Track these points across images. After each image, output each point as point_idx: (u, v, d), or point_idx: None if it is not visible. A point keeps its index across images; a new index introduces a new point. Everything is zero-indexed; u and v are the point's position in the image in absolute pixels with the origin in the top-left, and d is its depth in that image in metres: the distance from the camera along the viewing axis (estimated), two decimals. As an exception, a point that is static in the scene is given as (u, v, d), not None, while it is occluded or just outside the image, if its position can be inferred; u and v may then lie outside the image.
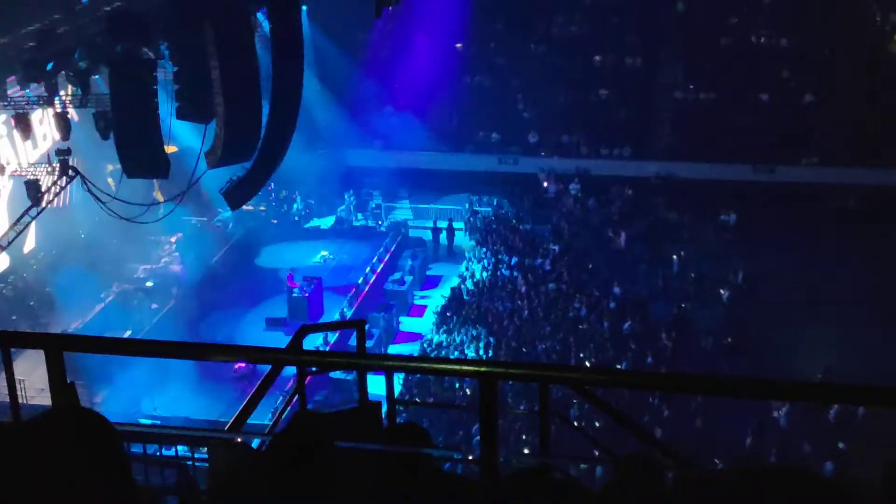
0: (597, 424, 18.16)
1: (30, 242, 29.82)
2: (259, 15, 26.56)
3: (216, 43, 23.58)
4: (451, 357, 26.17)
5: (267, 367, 6.72)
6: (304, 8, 29.94)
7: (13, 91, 23.34)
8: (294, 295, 29.79)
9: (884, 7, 38.54)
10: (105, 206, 25.39)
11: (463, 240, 35.07)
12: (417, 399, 23.76)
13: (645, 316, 29.04)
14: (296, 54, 25.94)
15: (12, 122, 23.98)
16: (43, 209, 25.69)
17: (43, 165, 25.87)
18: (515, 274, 31.57)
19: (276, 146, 26.36)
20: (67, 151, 25.04)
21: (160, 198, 27.74)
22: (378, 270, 32.43)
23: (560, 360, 26.34)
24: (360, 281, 31.64)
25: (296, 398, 6.49)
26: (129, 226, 26.69)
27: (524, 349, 27.51)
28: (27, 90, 23.61)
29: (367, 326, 8.48)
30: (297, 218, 36.57)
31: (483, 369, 4.15)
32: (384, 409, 6.58)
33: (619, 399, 20.62)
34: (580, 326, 28.55)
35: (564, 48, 39.07)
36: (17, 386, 4.40)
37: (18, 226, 26.17)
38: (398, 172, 36.85)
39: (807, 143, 34.89)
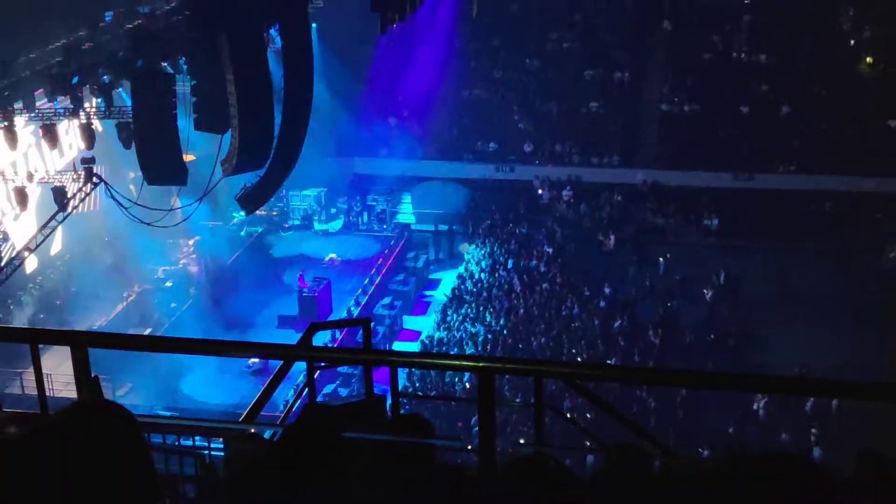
0: (588, 416, 18.14)
1: (56, 245, 29.82)
2: (272, 31, 26.55)
3: (231, 58, 23.58)
4: (452, 353, 26.16)
5: (279, 362, 6.72)
6: (314, 25, 29.95)
7: (41, 103, 23.35)
8: (304, 294, 29.80)
9: (855, 26, 38.56)
10: (127, 211, 25.38)
11: (462, 243, 35.05)
12: (420, 392, 23.75)
13: (633, 314, 29.04)
14: (306, 68, 25.95)
15: (40, 132, 23.99)
16: (69, 214, 25.69)
17: (69, 173, 25.86)
18: (511, 275, 31.57)
19: (288, 155, 26.37)
20: (92, 160, 25.04)
21: (178, 204, 27.74)
22: (383, 271, 32.42)
23: (553, 356, 26.32)
24: (365, 281, 31.64)
25: (306, 391, 6.49)
26: (150, 229, 26.70)
27: (520, 345, 27.52)
28: (54, 102, 23.62)
29: (372, 324, 8.47)
30: (306, 222, 36.53)
31: (481, 364, 4.15)
32: (389, 401, 6.58)
33: (609, 392, 20.61)
34: (572, 324, 28.55)
35: (557, 63, 39.10)
36: (45, 380, 4.40)
37: (46, 230, 26.17)
38: (402, 180, 36.89)
39: (784, 152, 34.89)
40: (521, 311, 29.44)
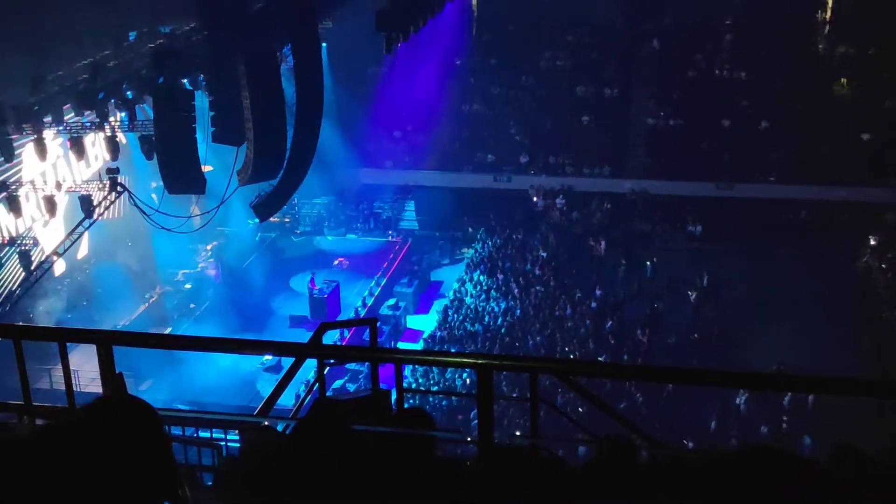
0: (580, 410, 18.12)
1: (83, 250, 29.83)
2: (284, 50, 26.59)
3: (247, 75, 23.64)
4: (452, 350, 26.15)
5: (291, 360, 6.72)
6: (324, 44, 29.99)
7: (69, 117, 23.37)
8: (315, 296, 29.79)
9: (830, 45, 38.61)
10: (149, 217, 25.41)
11: (462, 248, 35.05)
12: (423, 388, 23.72)
13: (622, 315, 29.02)
14: (316, 85, 25.98)
15: (68, 144, 24.01)
16: (94, 221, 25.71)
17: (95, 182, 25.88)
18: (508, 278, 31.57)
19: (299, 165, 26.41)
20: (116, 170, 25.07)
21: (197, 211, 27.76)
22: (388, 274, 32.42)
23: (548, 354, 26.33)
24: (372, 284, 31.63)
25: (316, 386, 6.48)
26: (170, 235, 26.72)
27: (516, 344, 27.49)
28: (81, 116, 23.65)
29: (378, 324, 8.47)
30: (317, 228, 36.53)
31: (480, 361, 4.15)
32: (394, 396, 6.57)
33: (600, 388, 20.59)
34: (565, 324, 28.54)
35: (550, 80, 39.12)
36: (72, 376, 4.40)
37: (73, 235, 26.19)
38: (406, 189, 36.93)
39: (763, 163, 34.92)
40: (518, 311, 29.44)
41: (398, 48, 28.18)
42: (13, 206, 23.58)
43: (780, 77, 37.07)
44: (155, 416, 2.52)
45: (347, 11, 31.57)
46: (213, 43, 23.81)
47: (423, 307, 31.55)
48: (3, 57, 20.56)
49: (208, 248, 33.36)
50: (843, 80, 36.92)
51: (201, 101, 24.56)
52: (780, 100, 36.25)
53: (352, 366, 24.09)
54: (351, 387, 23.56)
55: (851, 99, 36.47)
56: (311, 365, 7.54)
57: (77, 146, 23.98)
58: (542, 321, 28.67)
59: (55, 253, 26.01)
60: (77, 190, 25.39)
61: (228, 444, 5.80)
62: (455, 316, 29.51)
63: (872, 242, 31.70)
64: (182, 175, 23.45)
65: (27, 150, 23.35)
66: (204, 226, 27.40)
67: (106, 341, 4.34)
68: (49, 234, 26.15)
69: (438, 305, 30.97)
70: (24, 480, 1.46)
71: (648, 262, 31.81)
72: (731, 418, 23.12)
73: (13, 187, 23.82)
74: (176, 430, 6.09)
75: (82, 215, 25.22)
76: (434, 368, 24.27)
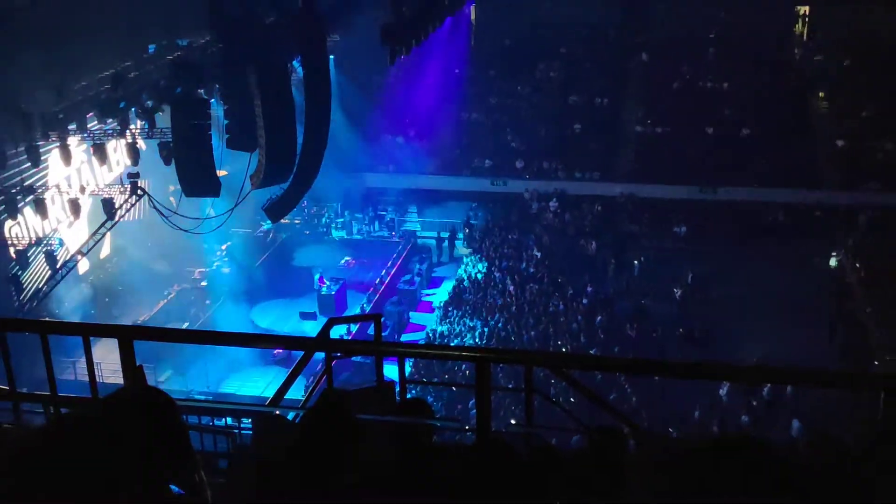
0: (572, 400, 18.11)
1: (105, 249, 29.85)
2: (294, 62, 26.61)
3: (259, 86, 23.64)
4: (452, 344, 26.17)
5: (300, 353, 6.73)
6: (332, 56, 30.02)
7: (92, 125, 23.41)
8: (323, 293, 29.81)
9: (806, 57, 38.65)
10: (167, 219, 25.42)
11: (462, 248, 35.08)
12: (424, 379, 23.73)
13: (611, 311, 29.04)
14: (324, 95, 26.00)
15: (91, 150, 24.04)
16: (116, 222, 25.73)
17: (116, 186, 25.90)
18: (504, 276, 31.58)
19: (309, 170, 26.42)
20: (136, 175, 25.10)
21: (212, 213, 27.78)
22: (392, 273, 32.43)
23: (541, 347, 26.34)
24: (377, 281, 31.65)
25: (324, 378, 6.49)
26: (187, 235, 26.73)
27: (512, 338, 27.51)
28: (104, 124, 23.69)
29: (382, 319, 8.48)
30: (325, 229, 36.56)
31: (478, 354, 4.16)
32: (397, 387, 6.58)
33: (591, 379, 20.62)
34: (558, 319, 28.55)
35: (545, 90, 39.19)
36: (95, 368, 4.40)
37: (96, 236, 26.21)
38: (408, 192, 36.95)
39: (744, 168, 34.92)
40: (513, 307, 29.45)
41: (401, 60, 28.21)
42: (40, 208, 23.60)
43: (761, 87, 37.13)
44: (172, 405, 2.53)
45: (354, 25, 31.59)
46: (227, 55, 23.82)
47: (424, 304, 31.59)
48: (30, 68, 20.58)
49: (223, 247, 33.36)
50: (821, 94, 36.96)
51: (216, 109, 24.60)
52: (761, 109, 36.29)
53: (357, 359, 24.09)
54: (357, 379, 23.58)
55: (827, 108, 36.53)
56: (319, 358, 7.56)
57: (100, 152, 24.00)
58: (536, 316, 28.69)
59: (79, 252, 26.04)
60: (100, 193, 25.43)
61: (242, 431, 5.81)
62: (454, 312, 29.54)
63: (847, 243, 31.73)
64: (198, 179, 23.48)
65: (53, 156, 23.36)
66: (219, 227, 27.40)
67: (127, 336, 4.35)
68: (73, 235, 26.17)
69: (439, 302, 30.99)
70: (49, 467, 1.46)
71: (636, 262, 31.83)
72: (714, 408, 23.13)
73: (40, 191, 23.83)
74: (193, 419, 6.10)
75: (104, 217, 25.25)
76: (435, 361, 24.27)
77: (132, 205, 25.92)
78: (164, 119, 23.86)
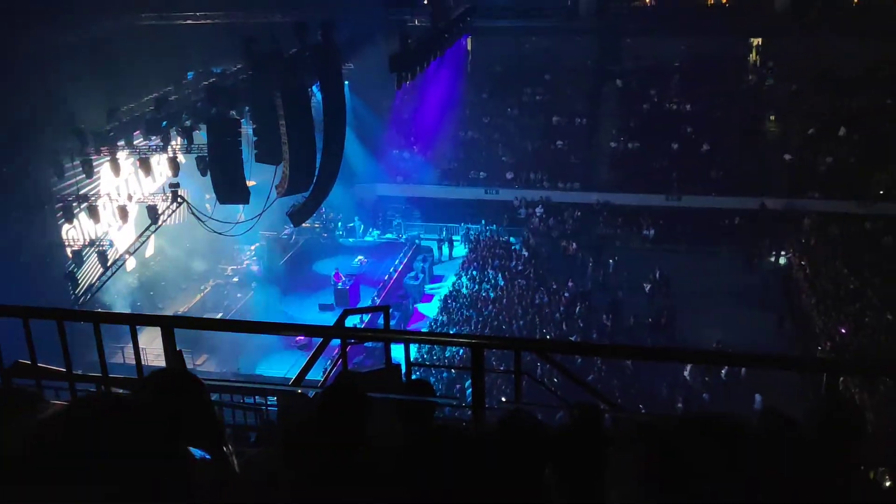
0: (555, 380, 18.12)
1: (150, 249, 29.88)
2: (314, 87, 26.62)
3: (283, 108, 23.67)
4: (451, 332, 26.17)
5: (319, 339, 6.72)
6: (347, 82, 30.02)
7: (138, 141, 23.43)
8: (338, 287, 29.80)
9: (758, 83, 38.68)
10: (204, 223, 25.44)
11: (459, 248, 35.07)
12: (427, 362, 23.72)
13: (590, 302, 29.03)
14: (340, 115, 26.02)
15: (137, 163, 24.07)
16: (159, 226, 25.76)
17: (159, 194, 25.94)
18: (496, 272, 31.58)
19: (327, 181, 26.45)
20: (177, 185, 25.12)
21: (242, 218, 27.78)
22: (399, 270, 32.44)
23: (529, 334, 26.33)
24: (385, 278, 31.65)
25: (339, 362, 6.48)
26: (221, 237, 26.75)
27: (503, 326, 27.50)
28: (149, 140, 23.70)
29: (390, 310, 8.46)
30: (340, 232, 36.57)
31: (473, 341, 4.15)
32: (403, 369, 6.57)
33: (572, 362, 20.63)
34: (543, 310, 28.55)
35: (532, 111, 39.18)
36: (141, 353, 4.40)
37: (142, 238, 26.25)
38: (413, 200, 36.95)
39: (705, 179, 34.94)
40: (504, 300, 29.45)
41: (407, 85, 28.21)
42: (93, 214, 23.63)
43: (718, 109, 37.15)
44: (201, 386, 2.53)
45: (366, 55, 31.64)
46: (256, 81, 23.83)
47: (427, 297, 31.58)
48: (85, 93, 20.62)
49: (252, 248, 33.40)
50: (771, 115, 36.98)
51: (246, 127, 24.60)
52: (718, 127, 36.32)
53: (369, 345, 24.10)
54: (368, 362, 23.58)
55: (776, 127, 36.58)
56: (335, 344, 7.55)
57: (145, 165, 24.04)
58: (524, 308, 28.69)
59: (127, 252, 26.08)
60: (145, 201, 25.45)
61: (268, 408, 5.80)
62: (453, 304, 29.54)
63: (793, 243, 31.76)
64: (230, 188, 23.49)
65: (104, 168, 23.40)
66: (248, 230, 27.40)
67: (168, 324, 4.35)
68: (122, 237, 26.21)
69: (440, 295, 30.99)
70: (100, 439, 1.45)
71: (611, 260, 31.83)
72: (679, 387, 23.13)
73: (93, 198, 23.87)
74: (226, 397, 6.09)
75: (149, 221, 25.28)
76: (436, 347, 24.26)
77: (173, 211, 25.94)
78: (200, 136, 23.90)
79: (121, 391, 4.84)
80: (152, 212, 24.96)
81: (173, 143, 23.96)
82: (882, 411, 20.31)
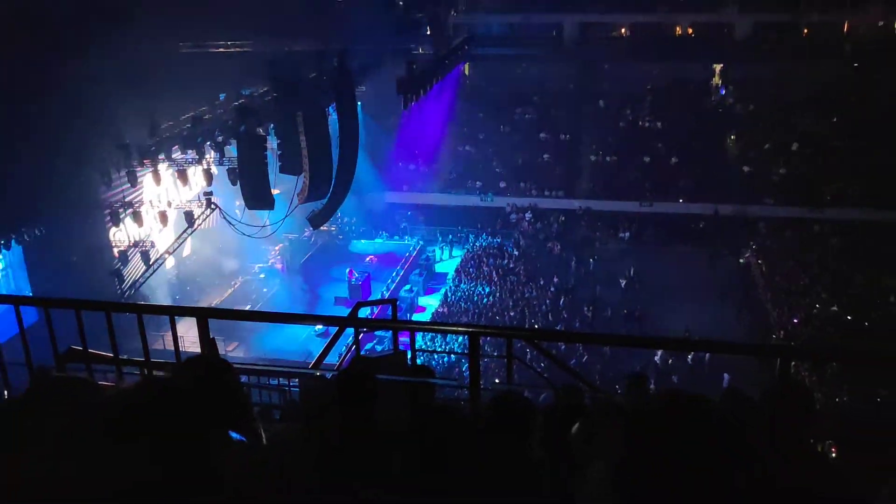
0: (542, 365, 18.13)
1: (187, 250, 29.87)
2: (330, 108, 26.64)
3: (304, 125, 23.70)
4: (451, 321, 26.17)
5: (335, 328, 6.72)
6: (360, 103, 30.04)
7: (176, 155, 23.44)
8: (352, 283, 29.78)
9: (720, 103, 38.67)
10: (234, 226, 25.45)
11: (458, 249, 35.07)
12: (430, 348, 23.74)
13: (573, 296, 29.07)
14: (354, 132, 26.03)
15: (176, 174, 24.09)
16: (195, 229, 25.78)
17: (195, 201, 25.94)
18: (490, 270, 31.60)
19: (342, 189, 26.47)
20: (210, 193, 25.16)
21: (268, 222, 27.78)
22: (405, 267, 32.42)
23: (519, 324, 26.35)
24: (393, 274, 31.63)
25: (353, 348, 6.49)
26: (249, 239, 26.77)
27: (497, 317, 27.54)
28: (185, 154, 23.71)
29: (398, 303, 8.46)
30: (354, 235, 36.57)
31: (470, 330, 4.15)
32: (409, 355, 6.58)
33: (556, 348, 20.63)
34: (532, 303, 28.58)
35: (522, 128, 39.16)
36: (179, 340, 4.40)
37: (180, 239, 26.25)
38: (418, 207, 36.94)
39: (674, 188, 34.94)
40: (497, 293, 29.47)
41: (412, 105, 28.22)
42: (137, 218, 23.65)
43: (685, 126, 37.12)
44: (232, 369, 2.53)
45: (376, 79, 31.64)
46: (280, 102, 23.86)
47: (430, 291, 31.58)
48: (130, 112, 20.63)
49: (277, 248, 33.41)
50: (731, 132, 36.96)
51: (271, 142, 24.61)
52: (685, 142, 36.30)
53: (379, 333, 24.12)
54: (378, 348, 23.59)
55: (735, 141, 36.55)
56: (350, 332, 7.55)
57: (182, 175, 24.07)
58: (514, 301, 28.73)
59: (166, 252, 26.08)
60: (182, 207, 25.46)
61: (291, 388, 5.80)
62: (453, 297, 29.56)
63: (751, 245, 31.76)
64: (257, 196, 23.51)
65: (147, 178, 23.39)
66: (273, 233, 27.40)
67: (203, 315, 4.35)
68: (162, 239, 26.21)
69: (441, 290, 31.00)
70: (140, 419, 1.45)
71: (591, 259, 31.83)
72: (651, 370, 23.14)
73: (137, 205, 23.88)
74: (253, 379, 6.09)
75: (186, 225, 25.29)
76: (438, 335, 24.27)
77: (207, 216, 25.97)
78: (231, 150, 23.92)
79: (161, 373, 4.86)
80: (189, 216, 24.98)
81: (207, 156, 23.99)
82: (828, 392, 20.33)
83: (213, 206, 25.51)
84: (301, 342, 25.46)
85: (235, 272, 31.50)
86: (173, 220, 25.75)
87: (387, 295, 29.07)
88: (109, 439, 1.40)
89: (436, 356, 23.23)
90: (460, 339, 24.20)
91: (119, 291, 23.27)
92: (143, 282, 24.64)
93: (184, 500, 1.39)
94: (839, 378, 20.73)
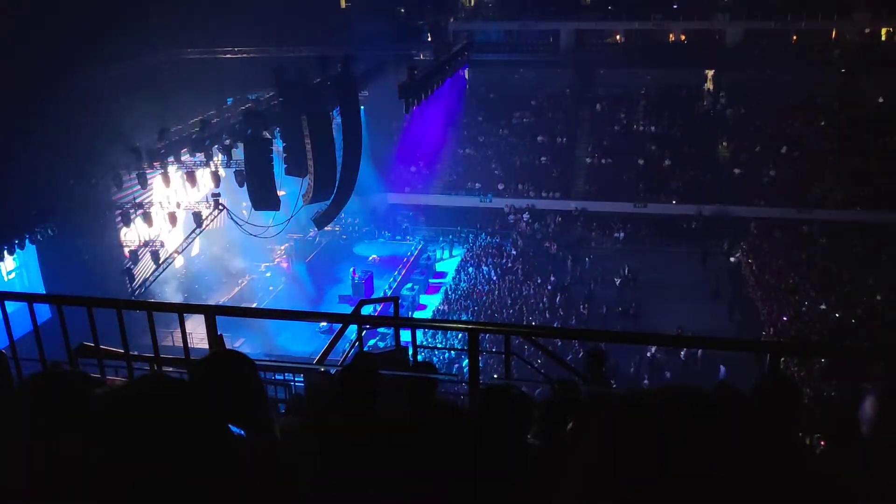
0: (539, 361, 18.12)
1: (195, 249, 29.88)
2: (335, 112, 26.63)
3: (309, 129, 23.70)
4: (451, 318, 26.16)
5: (339, 325, 6.72)
6: (363, 107, 30.03)
7: (185, 157, 23.44)
8: (356, 281, 29.75)
9: (712, 107, 38.65)
10: (241, 227, 25.45)
11: (458, 248, 35.06)
12: (431, 345, 23.73)
13: (569, 294, 29.06)
14: (357, 135, 26.03)
15: (185, 176, 24.09)
16: (203, 229, 25.77)
17: (203, 202, 25.94)
18: (489, 269, 31.58)
19: (346, 191, 26.46)
20: (218, 194, 25.16)
21: (273, 223, 27.79)
22: (407, 266, 32.41)
23: (517, 321, 26.34)
24: (395, 273, 31.62)
25: (356, 344, 6.48)
26: (256, 239, 26.76)
27: (495, 314, 27.53)
28: (194, 157, 23.71)
29: (400, 300, 8.46)
30: (357, 235, 36.57)
31: (470, 326, 4.15)
32: (411, 351, 6.58)
33: (553, 344, 20.59)
34: (530, 301, 28.57)
35: (520, 132, 39.14)
36: (188, 337, 4.41)
37: (188, 239, 26.24)
38: (419, 207, 36.92)
39: (667, 189, 34.93)
40: (496, 291, 29.47)
41: (414, 109, 28.20)
42: (147, 219, 23.66)
43: (678, 129, 37.13)
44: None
45: (379, 84, 31.63)
46: (286, 106, 23.86)
47: (431, 289, 31.58)
48: (140, 116, 20.64)
49: (282, 248, 33.40)
50: (722, 135, 36.95)
51: (277, 145, 24.61)
52: (678, 145, 36.30)
53: (381, 330, 24.11)
54: (381, 344, 23.57)
55: (727, 145, 36.54)
56: (353, 329, 7.55)
57: (191, 177, 24.06)
58: (513, 298, 28.72)
59: (176, 252, 26.08)
60: (191, 208, 25.45)
61: (296, 383, 5.80)
62: (453, 295, 29.54)
63: (741, 244, 31.75)
64: (263, 197, 23.53)
65: (156, 180, 23.40)
66: (279, 233, 27.40)
67: (211, 312, 4.35)
68: (171, 239, 26.21)
69: (442, 288, 30.98)
70: (164, 411, 1.45)
71: (587, 258, 31.82)
72: (644, 366, 23.14)
73: (147, 206, 23.88)
74: (260, 374, 6.09)
75: (195, 225, 25.29)
76: (439, 331, 24.27)
77: (215, 216, 25.97)
78: (238, 153, 23.92)
79: (170, 369, 4.85)
80: (197, 217, 24.98)
81: (215, 158, 24.00)
82: (816, 386, 20.33)
83: (220, 207, 25.51)
84: (306, 339, 25.46)
85: (242, 271, 31.49)
86: (182, 220, 25.75)
87: (389, 293, 29.06)
88: (103, 434, 1.40)
89: (437, 352, 23.18)
90: (460, 335, 24.24)
91: (129, 289, 23.28)
92: (153, 280, 24.65)
93: (180, 495, 1.38)
94: (827, 373, 20.73)
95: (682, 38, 40.09)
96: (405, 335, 8.29)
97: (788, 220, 31.96)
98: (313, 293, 30.52)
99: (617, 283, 29.66)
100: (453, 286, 30.47)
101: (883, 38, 36.96)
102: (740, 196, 33.34)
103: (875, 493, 2.25)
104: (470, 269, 31.87)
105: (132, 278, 23.60)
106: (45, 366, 4.09)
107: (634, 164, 36.23)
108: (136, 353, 4.55)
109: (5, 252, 18.73)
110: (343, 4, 37.57)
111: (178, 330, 4.29)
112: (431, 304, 29.81)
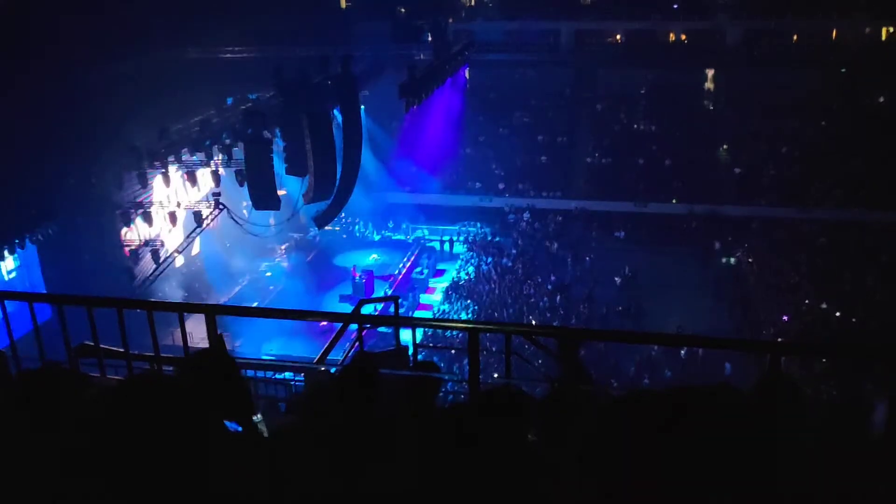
0: (539, 361, 18.11)
1: (195, 249, 29.84)
2: (335, 111, 26.62)
3: (309, 129, 23.69)
4: (452, 318, 26.16)
5: (339, 325, 6.72)
6: (363, 106, 30.01)
7: (186, 157, 23.43)
8: (356, 281, 29.74)
9: (713, 106, 38.67)
10: (241, 226, 25.44)
11: (458, 248, 35.05)
12: (431, 344, 23.71)
13: (569, 293, 29.04)
14: (357, 135, 26.03)
15: (185, 176, 24.07)
16: (203, 229, 25.75)
17: (204, 202, 25.91)
18: (490, 268, 31.56)
19: (346, 190, 26.46)
20: (218, 194, 25.12)
21: (274, 222, 27.78)
22: (407, 266, 32.40)
23: (517, 320, 26.34)
24: (395, 272, 31.61)
25: (357, 344, 6.48)
26: (256, 238, 26.75)
27: (495, 313, 27.53)
28: (194, 156, 23.70)
29: (400, 300, 8.46)
30: (357, 234, 36.54)
31: (470, 326, 4.15)
32: (411, 350, 6.57)
33: (553, 344, 20.55)
34: (530, 300, 28.56)
35: (520, 131, 39.14)
36: (188, 336, 4.41)
37: (189, 239, 26.23)
38: (419, 206, 36.90)
39: (668, 188, 34.92)
40: (496, 291, 29.45)
41: (414, 109, 28.20)
42: (147, 218, 23.64)
43: (678, 129, 37.10)
44: (234, 362, 2.53)
45: (379, 84, 31.61)
46: (286, 106, 23.85)
47: (431, 289, 31.56)
48: (140, 116, 20.64)
49: (283, 247, 33.37)
50: (723, 135, 36.93)
51: (278, 145, 24.59)
52: (679, 145, 36.27)
53: (382, 329, 24.06)
54: (381, 344, 23.53)
55: (727, 144, 36.53)
56: (353, 328, 7.55)
57: (191, 177, 24.05)
58: (513, 298, 28.71)
59: (176, 251, 26.06)
60: (191, 207, 25.43)
61: (296, 382, 5.80)
62: (453, 294, 29.53)
63: (742, 244, 31.74)
64: (264, 197, 23.51)
65: (157, 180, 23.38)
66: (279, 232, 27.40)
67: (211, 312, 4.34)
68: (172, 238, 26.19)
69: (442, 287, 30.96)
70: (152, 408, 1.45)
71: (587, 258, 31.81)
72: (645, 365, 23.13)
73: (147, 206, 23.86)
74: (261, 374, 6.09)
75: (195, 225, 25.27)
76: (439, 331, 24.27)
77: (215, 216, 25.94)
78: (238, 153, 23.90)
79: (171, 368, 4.85)
80: (198, 217, 24.96)
81: (215, 158, 23.98)
82: (817, 386, 20.31)
83: (220, 206, 25.49)
84: (306, 338, 25.44)
85: (242, 270, 31.48)
86: (182, 220, 25.73)
87: (389, 292, 29.04)
88: (95, 431, 1.40)
89: (437, 352, 23.16)
90: (460, 335, 24.21)
91: (130, 289, 23.27)
92: (154, 280, 24.63)
93: (175, 491, 1.38)
94: (827, 373, 20.72)
95: (683, 37, 40.09)
96: (406, 335, 8.28)
97: (789, 219, 31.94)
98: (313, 292, 30.51)
99: (617, 282, 29.65)
100: (454, 286, 30.44)
101: (883, 38, 36.95)
102: (740, 196, 33.33)
103: (875, 494, 2.24)
104: (470, 269, 31.85)
105: (132, 278, 23.58)
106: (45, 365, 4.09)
107: (634, 164, 36.21)
108: (136, 352, 4.55)
109: (6, 252, 18.72)
110: (343, 4, 37.62)
111: (179, 329, 4.29)
112: (433, 303, 29.78)
